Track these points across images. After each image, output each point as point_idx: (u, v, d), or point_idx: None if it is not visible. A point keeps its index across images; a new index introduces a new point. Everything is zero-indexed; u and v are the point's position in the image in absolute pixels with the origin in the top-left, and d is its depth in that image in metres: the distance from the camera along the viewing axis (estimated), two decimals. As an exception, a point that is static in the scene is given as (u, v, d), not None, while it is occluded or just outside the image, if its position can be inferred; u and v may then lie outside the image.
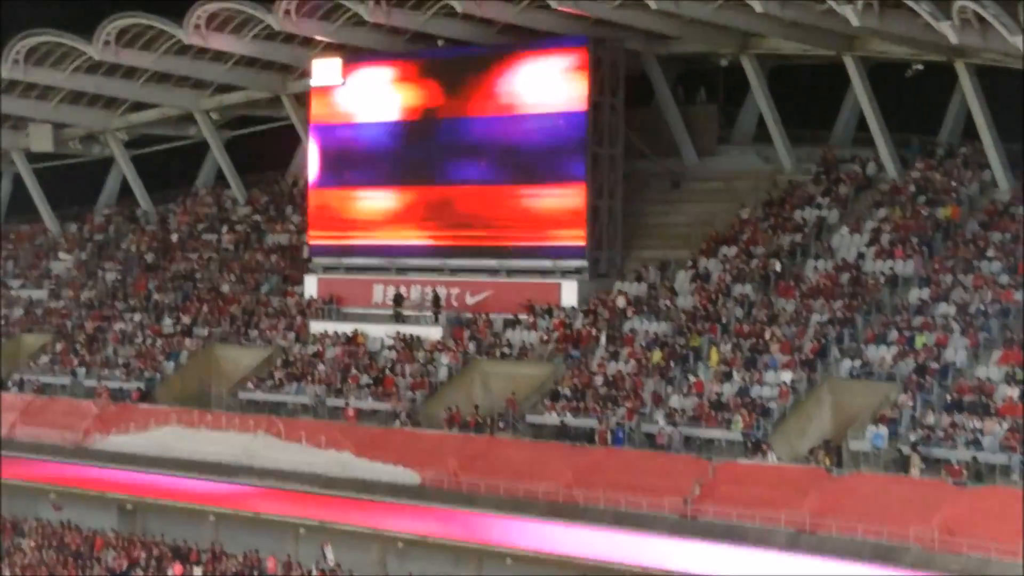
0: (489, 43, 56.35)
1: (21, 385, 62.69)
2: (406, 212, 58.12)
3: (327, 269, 60.42)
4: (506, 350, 53.35)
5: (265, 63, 62.97)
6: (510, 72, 55.52)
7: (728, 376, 47.71)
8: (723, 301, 50.99)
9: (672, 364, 49.28)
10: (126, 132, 71.37)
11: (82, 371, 61.99)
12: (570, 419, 48.95)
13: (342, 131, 59.76)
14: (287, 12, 55.83)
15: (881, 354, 46.08)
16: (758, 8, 47.66)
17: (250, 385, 57.10)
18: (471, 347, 54.06)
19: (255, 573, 49.71)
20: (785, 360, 47.26)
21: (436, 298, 56.53)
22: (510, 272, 56.04)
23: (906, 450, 42.59)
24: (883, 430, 43.41)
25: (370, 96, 58.78)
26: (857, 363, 46.21)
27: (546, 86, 54.69)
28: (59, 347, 64.59)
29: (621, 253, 55.80)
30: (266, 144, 70.18)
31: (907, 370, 45.03)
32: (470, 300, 56.28)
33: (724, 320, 50.18)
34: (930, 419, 43.23)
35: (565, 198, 54.60)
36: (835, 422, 45.76)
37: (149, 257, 68.65)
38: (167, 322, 63.39)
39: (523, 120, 55.50)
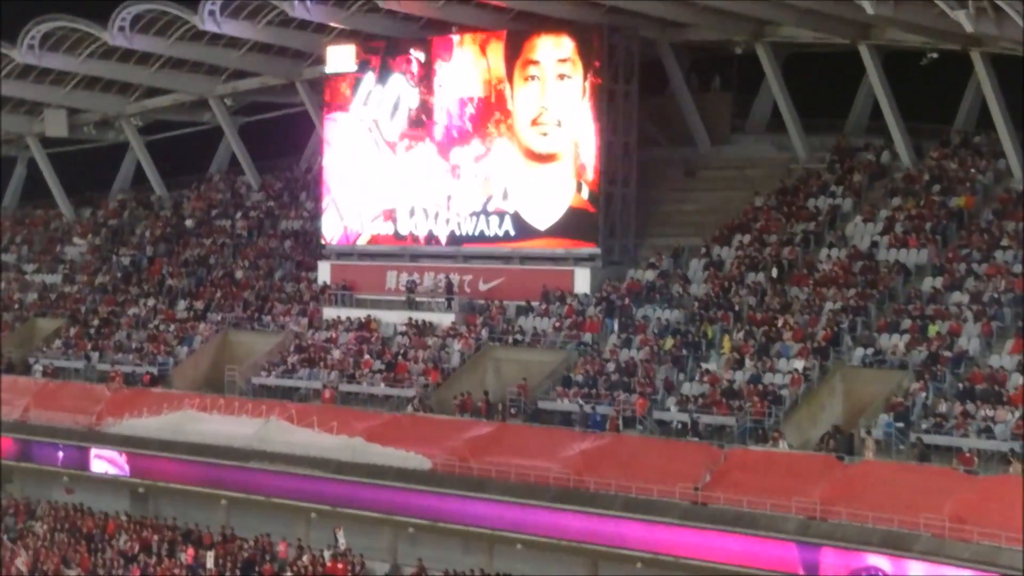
0: (504, 29, 56.27)
1: (45, 371, 62.55)
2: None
3: (340, 255, 60.48)
4: (518, 337, 53.35)
5: (279, 49, 63.06)
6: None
7: (740, 363, 47.66)
8: (736, 289, 50.94)
9: (684, 351, 49.24)
10: (140, 117, 71.50)
11: (95, 355, 62.11)
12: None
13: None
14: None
15: (894, 342, 46.02)
16: (773, -5, 47.70)
17: (263, 371, 57.17)
18: (483, 333, 54.07)
19: (267, 557, 49.79)
20: (797, 348, 47.20)
21: (449, 284, 56.57)
22: (523, 259, 56.03)
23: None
24: (895, 418, 43.33)
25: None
26: (870, 351, 46.13)
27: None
28: (73, 331, 64.76)
29: (634, 241, 55.77)
30: (280, 130, 70.34)
31: (920, 358, 44.95)
32: (483, 287, 56.29)
33: (737, 308, 50.13)
34: (942, 407, 43.16)
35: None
36: (847, 410, 45.67)
37: (162, 246, 68.75)
38: (181, 307, 63.50)
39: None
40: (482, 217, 56.67)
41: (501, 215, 56.24)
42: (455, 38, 57.11)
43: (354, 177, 59.86)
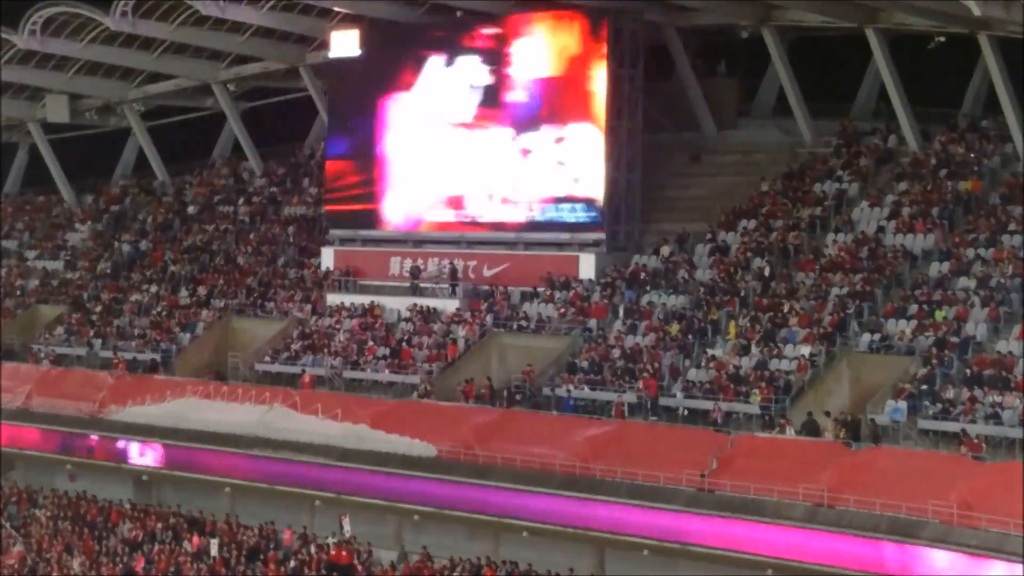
0: (507, 13, 55.93)
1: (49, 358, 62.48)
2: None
3: (344, 241, 60.27)
4: (523, 323, 53.16)
5: (282, 34, 62.85)
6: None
7: (746, 349, 47.47)
8: (742, 274, 50.73)
9: (690, 337, 49.04)
10: (143, 103, 71.46)
11: (98, 342, 61.95)
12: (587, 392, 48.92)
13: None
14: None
15: (900, 328, 45.84)
16: (779, -21, 47.42)
17: (267, 357, 57.00)
18: (488, 320, 53.87)
19: (271, 545, 49.66)
20: (804, 334, 47.02)
21: (453, 270, 56.36)
22: (528, 245, 55.80)
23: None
24: (902, 404, 43.17)
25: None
26: (876, 337, 45.97)
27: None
28: (75, 318, 64.60)
29: (640, 226, 55.58)
30: (283, 115, 70.14)
31: (926, 344, 44.76)
32: (487, 272, 56.09)
33: (743, 293, 49.93)
34: (949, 393, 42.97)
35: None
36: (854, 396, 45.50)
37: (177, 221, 68.67)
38: (183, 293, 63.34)
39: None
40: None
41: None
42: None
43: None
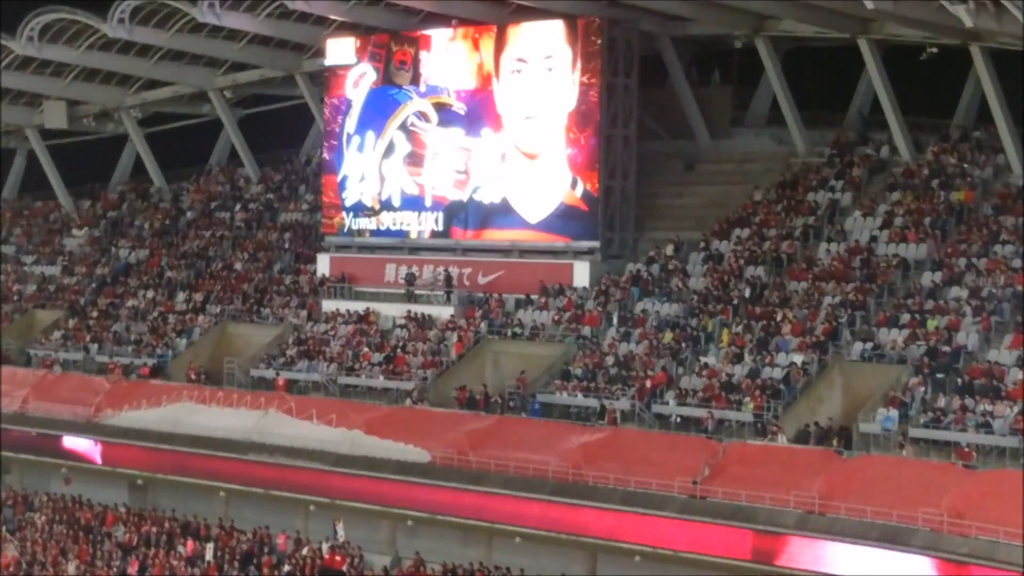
0: (504, 22, 56.18)
1: (46, 363, 62.60)
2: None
3: (339, 248, 60.48)
4: (517, 330, 53.37)
5: (279, 42, 63.10)
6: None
7: (739, 357, 47.68)
8: (735, 283, 50.96)
9: (683, 345, 49.26)
10: (140, 109, 71.55)
11: (94, 347, 62.13)
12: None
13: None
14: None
15: (892, 337, 46.05)
16: (773, -10, 47.68)
17: (262, 363, 57.18)
18: (483, 327, 54.08)
19: (265, 549, 49.80)
20: (796, 342, 47.22)
21: (448, 277, 56.58)
22: (522, 252, 56.03)
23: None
24: (893, 413, 43.39)
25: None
26: (868, 346, 46.17)
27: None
28: (72, 323, 64.77)
29: (634, 234, 55.78)
30: (279, 123, 70.37)
31: (918, 353, 44.98)
32: (482, 280, 56.29)
33: (736, 302, 50.15)
34: (940, 402, 43.20)
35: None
36: (846, 404, 45.70)
37: (165, 235, 68.91)
38: (180, 299, 63.53)
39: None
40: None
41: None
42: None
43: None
